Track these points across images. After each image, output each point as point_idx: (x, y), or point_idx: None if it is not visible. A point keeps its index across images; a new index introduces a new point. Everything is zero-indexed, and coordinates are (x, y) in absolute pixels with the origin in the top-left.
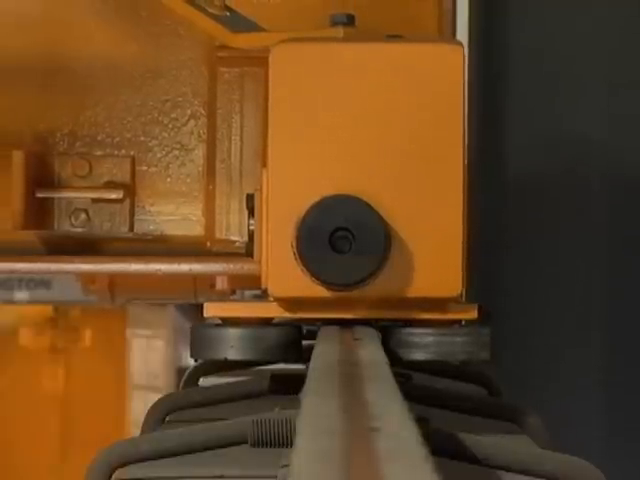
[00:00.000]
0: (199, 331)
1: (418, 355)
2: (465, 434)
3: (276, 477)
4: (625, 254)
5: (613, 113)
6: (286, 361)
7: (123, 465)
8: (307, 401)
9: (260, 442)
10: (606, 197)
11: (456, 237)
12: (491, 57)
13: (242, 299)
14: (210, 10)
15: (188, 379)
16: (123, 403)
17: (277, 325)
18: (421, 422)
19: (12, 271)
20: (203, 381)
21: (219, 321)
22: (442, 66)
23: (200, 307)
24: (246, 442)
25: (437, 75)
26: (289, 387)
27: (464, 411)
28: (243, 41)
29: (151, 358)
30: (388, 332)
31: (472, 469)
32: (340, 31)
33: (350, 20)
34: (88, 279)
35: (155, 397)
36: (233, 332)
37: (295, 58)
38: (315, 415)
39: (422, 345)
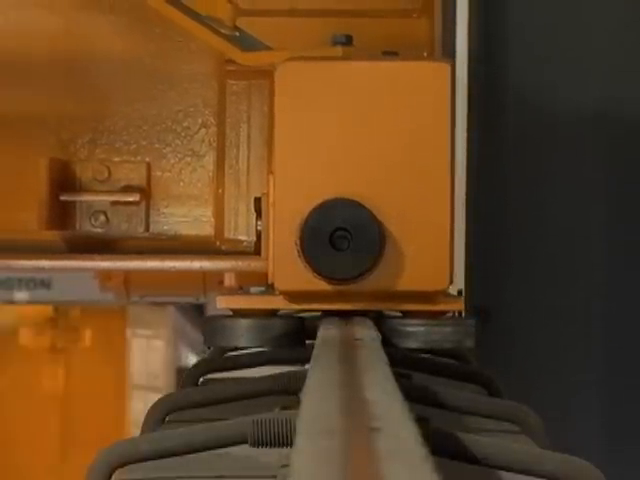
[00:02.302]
0: (212, 321)
1: (410, 343)
2: (465, 434)
3: (276, 477)
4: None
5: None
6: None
7: (123, 465)
8: (307, 401)
9: (260, 442)
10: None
11: (444, 236)
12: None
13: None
14: (222, 30)
15: (188, 379)
16: (123, 403)
17: (282, 316)
18: (421, 422)
19: (37, 268)
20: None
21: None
22: (430, 82)
23: (200, 307)
24: (246, 442)
25: (425, 90)
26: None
27: (464, 411)
28: (251, 59)
29: (151, 358)
30: (382, 322)
31: (472, 469)
32: (339, 50)
33: (348, 40)
34: (105, 276)
35: (155, 397)
36: (243, 322)
37: (299, 75)
38: (315, 415)
39: (414, 334)
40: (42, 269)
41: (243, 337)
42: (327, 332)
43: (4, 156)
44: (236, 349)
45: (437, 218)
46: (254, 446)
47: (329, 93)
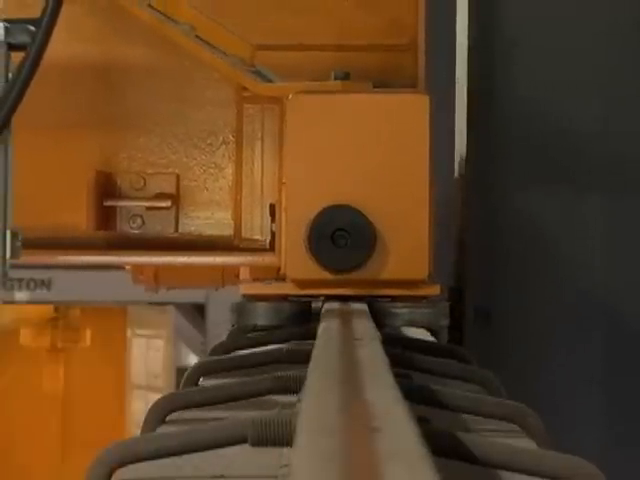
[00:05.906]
0: (237, 304)
1: (396, 322)
2: (465, 434)
3: (276, 477)
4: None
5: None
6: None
7: (123, 465)
8: (307, 401)
9: (260, 442)
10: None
11: (423, 236)
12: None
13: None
14: (242, 66)
15: (188, 379)
16: (123, 403)
17: (292, 300)
18: (421, 422)
19: (85, 263)
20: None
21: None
22: (412, 111)
23: (200, 308)
24: (246, 442)
25: (408, 118)
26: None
27: (464, 411)
28: (266, 90)
29: (151, 358)
30: (374, 305)
31: (472, 469)
32: (339, 84)
33: (346, 76)
34: (137, 270)
35: (155, 397)
36: (262, 305)
37: (306, 105)
38: (315, 415)
39: (399, 314)
40: (90, 263)
41: (262, 316)
42: (328, 329)
43: (58, 168)
44: (255, 327)
45: (418, 221)
46: (254, 446)
47: (330, 120)
